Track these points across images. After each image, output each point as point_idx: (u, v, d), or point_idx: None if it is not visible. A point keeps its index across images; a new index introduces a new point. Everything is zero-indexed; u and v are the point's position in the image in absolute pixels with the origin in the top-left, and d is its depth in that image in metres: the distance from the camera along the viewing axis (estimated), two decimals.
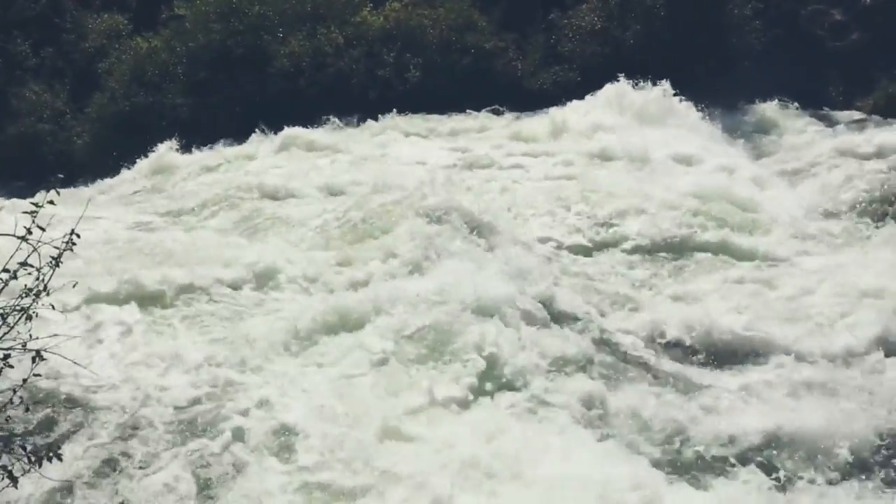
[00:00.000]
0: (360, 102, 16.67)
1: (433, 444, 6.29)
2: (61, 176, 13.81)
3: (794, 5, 17.67)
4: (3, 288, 3.72)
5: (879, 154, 12.46)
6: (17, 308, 3.73)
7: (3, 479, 3.63)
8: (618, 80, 15.15)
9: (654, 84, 14.90)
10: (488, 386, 7.10)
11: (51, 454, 3.71)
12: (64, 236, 3.71)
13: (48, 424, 6.44)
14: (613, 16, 17.33)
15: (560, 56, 17.56)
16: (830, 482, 6.16)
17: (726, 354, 7.82)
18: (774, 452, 6.41)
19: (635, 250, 9.92)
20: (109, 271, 8.76)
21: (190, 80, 17.58)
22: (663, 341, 7.95)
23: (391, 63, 17.33)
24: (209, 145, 15.79)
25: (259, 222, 11.21)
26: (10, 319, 3.74)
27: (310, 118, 15.95)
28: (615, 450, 6.41)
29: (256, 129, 15.64)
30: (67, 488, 5.81)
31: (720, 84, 15.74)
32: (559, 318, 8.15)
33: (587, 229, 10.30)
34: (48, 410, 6.50)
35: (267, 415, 6.62)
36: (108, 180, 15.39)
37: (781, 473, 6.25)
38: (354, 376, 7.22)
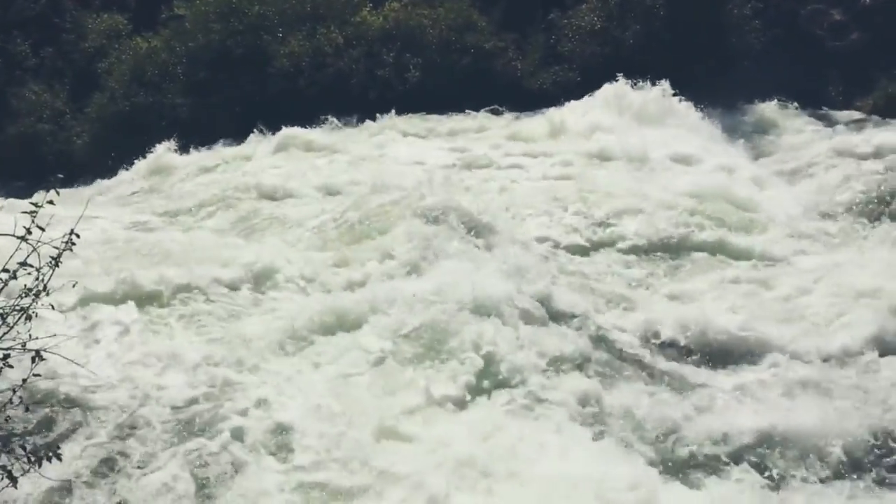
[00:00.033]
0: (359, 102, 16.67)
1: (430, 444, 6.31)
2: (61, 176, 13.82)
3: (793, 5, 17.67)
4: (2, 288, 3.73)
5: (877, 154, 12.49)
6: (17, 308, 3.74)
7: (2, 479, 3.64)
8: (616, 80, 15.16)
9: (654, 84, 14.91)
10: (485, 384, 7.13)
11: (50, 454, 3.72)
12: (63, 236, 3.72)
13: (46, 424, 6.46)
14: (613, 16, 17.33)
15: (560, 56, 17.56)
16: (824, 481, 6.17)
17: (721, 354, 7.84)
18: (768, 451, 6.43)
19: (632, 250, 9.95)
20: (107, 271, 8.77)
21: (190, 80, 17.59)
22: (659, 340, 7.97)
23: (391, 63, 17.34)
24: (209, 145, 15.81)
25: (256, 223, 11.23)
26: (10, 319, 3.75)
27: (309, 118, 15.97)
28: (611, 448, 6.44)
29: (255, 130, 15.66)
30: (66, 488, 5.84)
31: (720, 84, 15.74)
32: (556, 316, 8.17)
33: (584, 229, 10.32)
34: (46, 410, 6.52)
35: (264, 414, 6.64)
36: (105, 182, 15.43)
37: (775, 472, 6.27)
38: (351, 376, 7.23)
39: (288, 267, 9.11)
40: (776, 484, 6.18)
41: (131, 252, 9.67)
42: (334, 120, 16.10)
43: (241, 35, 17.61)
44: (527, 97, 16.64)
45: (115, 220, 11.67)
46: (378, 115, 16.17)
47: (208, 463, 6.15)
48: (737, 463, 6.35)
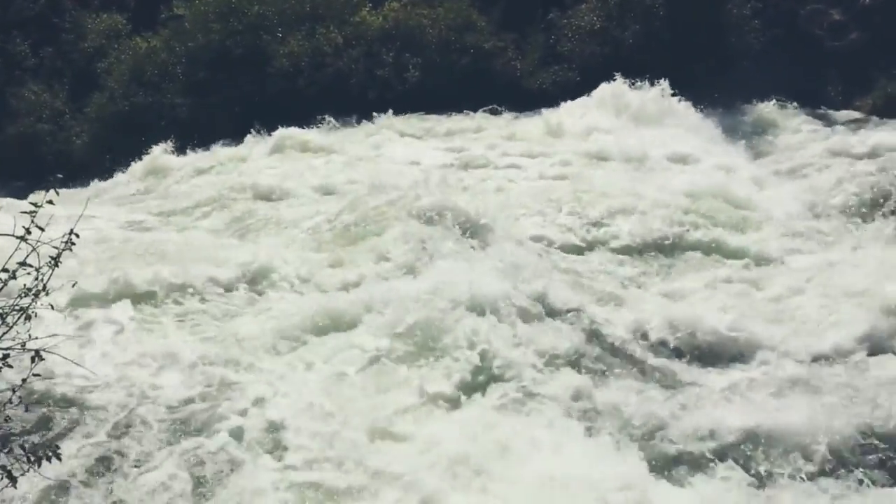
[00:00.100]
0: (359, 102, 16.68)
1: (423, 442, 6.31)
2: (60, 176, 13.81)
3: (793, 5, 17.69)
4: (2, 288, 3.73)
5: (872, 154, 12.53)
6: (17, 308, 3.74)
7: (2, 478, 3.63)
8: (614, 80, 15.16)
9: (653, 84, 14.92)
10: (480, 382, 7.12)
11: (49, 454, 3.71)
12: (63, 236, 3.72)
13: (43, 424, 6.46)
14: (612, 16, 17.34)
15: (559, 56, 17.57)
16: (811, 478, 6.17)
17: (712, 353, 7.84)
18: (755, 449, 6.42)
19: (625, 249, 9.97)
20: (102, 271, 8.75)
21: (189, 80, 17.59)
22: (649, 339, 7.97)
23: (390, 63, 17.35)
24: (208, 145, 15.82)
25: (251, 223, 11.23)
26: (10, 319, 3.74)
27: (309, 118, 15.98)
28: (602, 446, 6.44)
29: (252, 130, 15.66)
30: (63, 487, 5.83)
31: (719, 84, 15.77)
32: (550, 314, 8.17)
33: (579, 228, 10.34)
34: (43, 410, 6.51)
35: (260, 413, 6.63)
36: (101, 183, 15.44)
37: (762, 469, 6.27)
38: (346, 375, 7.23)
39: (283, 267, 9.11)
40: (763, 481, 6.18)
41: (127, 252, 9.66)
42: (331, 120, 16.09)
43: (240, 35, 17.61)
44: (526, 97, 16.65)
45: (110, 219, 11.67)
46: (376, 114, 16.18)
47: (204, 462, 6.15)
48: (724, 460, 6.35)
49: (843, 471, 6.25)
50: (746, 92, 15.99)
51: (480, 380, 7.14)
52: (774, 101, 15.98)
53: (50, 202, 3.76)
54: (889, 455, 6.40)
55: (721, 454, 6.40)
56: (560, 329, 7.89)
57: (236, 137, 15.80)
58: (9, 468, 3.66)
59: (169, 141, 15.85)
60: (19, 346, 3.73)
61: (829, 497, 5.99)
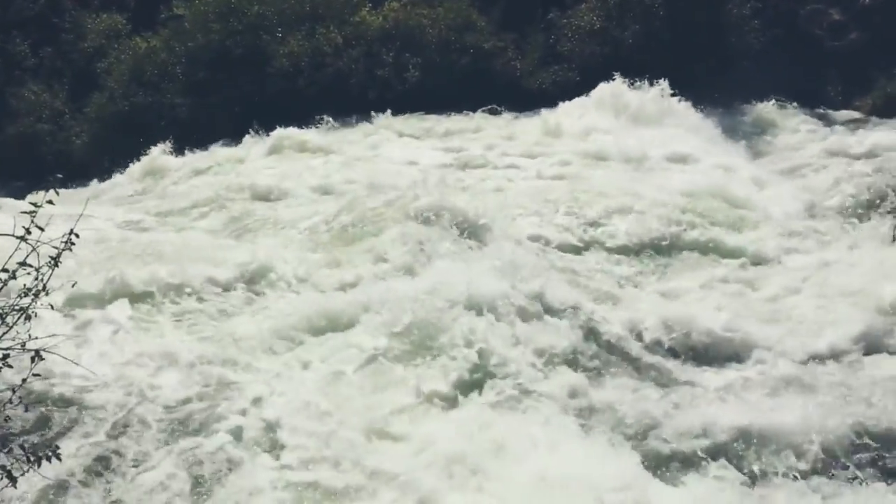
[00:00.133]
0: (359, 102, 16.68)
1: (420, 441, 6.31)
2: (60, 176, 13.83)
3: (792, 5, 17.69)
4: (2, 288, 3.73)
5: (870, 154, 12.55)
6: (16, 308, 3.74)
7: (1, 478, 3.64)
8: (613, 80, 15.17)
9: (653, 84, 14.92)
10: (476, 380, 7.11)
11: (49, 454, 3.71)
12: (63, 236, 3.72)
13: (42, 423, 6.45)
14: (612, 15, 17.34)
15: (559, 56, 17.58)
16: (804, 477, 6.16)
17: (707, 352, 7.83)
18: (748, 448, 6.41)
19: (622, 248, 9.97)
20: (100, 270, 8.75)
21: (189, 80, 17.59)
22: (644, 338, 7.96)
23: (390, 63, 17.35)
24: (207, 145, 15.83)
25: (249, 223, 11.22)
26: (9, 319, 3.74)
27: (308, 118, 15.99)
28: (598, 444, 6.44)
29: (250, 131, 15.66)
30: (61, 486, 5.82)
31: (719, 84, 15.78)
32: (548, 313, 8.17)
33: (576, 228, 10.34)
34: (41, 409, 6.51)
35: (258, 413, 6.63)
36: (99, 184, 15.44)
37: (756, 468, 6.26)
38: (343, 374, 7.22)
39: (281, 267, 9.10)
40: (756, 480, 6.17)
41: (124, 251, 9.66)
42: (330, 120, 16.09)
43: (240, 35, 17.61)
44: (526, 97, 16.66)
45: (108, 218, 11.68)
46: (374, 114, 16.19)
47: (202, 461, 6.15)
48: (717, 459, 6.34)
49: (836, 469, 6.25)
50: (746, 92, 15.99)
51: (477, 378, 7.13)
52: (774, 101, 15.99)
53: (50, 202, 3.76)
54: (882, 454, 6.40)
55: (714, 453, 6.39)
56: (557, 328, 7.89)
57: (236, 137, 15.81)
58: (9, 468, 3.66)
59: (168, 141, 15.87)
60: (19, 347, 3.73)
61: (821, 496, 5.98)
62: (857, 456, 6.38)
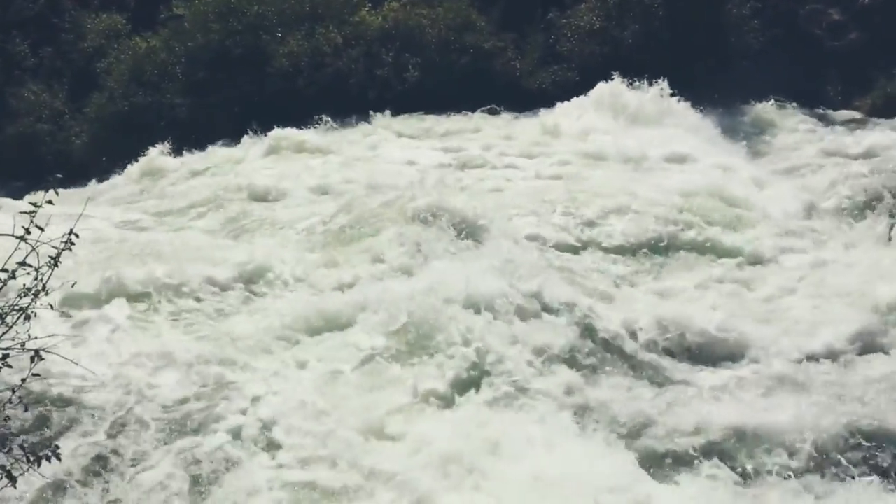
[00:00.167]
0: (358, 102, 16.69)
1: (417, 441, 6.32)
2: (60, 176, 13.83)
3: (792, 5, 17.71)
4: (2, 288, 3.74)
5: (867, 155, 12.57)
6: (16, 308, 3.76)
7: (1, 478, 3.65)
8: (612, 80, 15.18)
9: (652, 84, 14.93)
10: (473, 379, 7.13)
11: (49, 454, 3.73)
12: (63, 236, 3.73)
13: (40, 423, 6.46)
14: (612, 15, 17.36)
15: (559, 56, 17.60)
16: (797, 475, 6.19)
17: (702, 351, 7.85)
18: (742, 447, 6.44)
19: (619, 248, 9.99)
20: (98, 270, 8.76)
21: (188, 80, 17.60)
22: (639, 337, 7.98)
23: (390, 63, 17.36)
24: (207, 145, 15.84)
25: (247, 224, 11.22)
26: (9, 319, 3.76)
27: (308, 118, 15.99)
28: (594, 443, 6.46)
29: (248, 131, 15.67)
30: (60, 486, 5.84)
31: (719, 84, 15.79)
32: (545, 312, 8.19)
33: (573, 228, 10.35)
34: (39, 409, 6.52)
35: (255, 412, 6.64)
36: (98, 184, 15.45)
37: (749, 467, 6.29)
38: (341, 374, 7.23)
39: (278, 267, 9.11)
40: (749, 479, 6.20)
41: (122, 251, 9.67)
42: (329, 120, 16.10)
43: (239, 35, 17.62)
44: (525, 97, 16.67)
45: (105, 218, 11.69)
46: (373, 114, 16.19)
47: (201, 461, 6.17)
48: (710, 458, 6.36)
49: (829, 468, 6.28)
50: (745, 92, 16.00)
51: (474, 377, 7.15)
52: (773, 101, 16.00)
53: (49, 202, 3.78)
54: (875, 452, 6.43)
55: (708, 452, 6.42)
56: (554, 326, 7.91)
57: (236, 137, 15.81)
58: (8, 468, 3.68)
59: (167, 142, 15.88)
60: (19, 347, 3.74)
61: (814, 494, 6.01)
62: (850, 455, 6.40)
